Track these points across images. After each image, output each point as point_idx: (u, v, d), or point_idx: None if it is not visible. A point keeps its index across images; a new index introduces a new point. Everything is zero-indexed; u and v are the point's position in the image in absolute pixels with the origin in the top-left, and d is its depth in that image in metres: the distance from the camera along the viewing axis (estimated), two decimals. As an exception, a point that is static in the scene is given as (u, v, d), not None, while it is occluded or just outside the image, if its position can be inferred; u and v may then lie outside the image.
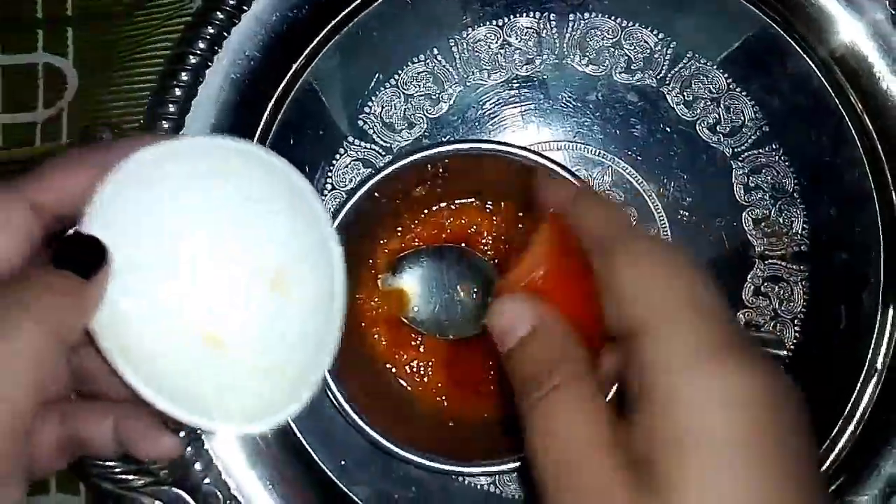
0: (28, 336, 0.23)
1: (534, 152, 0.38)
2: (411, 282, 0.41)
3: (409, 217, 0.41)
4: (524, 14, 0.43)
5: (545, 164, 0.38)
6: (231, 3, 0.41)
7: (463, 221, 0.42)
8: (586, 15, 0.43)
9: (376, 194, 0.38)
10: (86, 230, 0.25)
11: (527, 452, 0.25)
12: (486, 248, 0.42)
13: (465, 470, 0.38)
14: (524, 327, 0.26)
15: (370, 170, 0.43)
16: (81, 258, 0.25)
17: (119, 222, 0.26)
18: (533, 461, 0.25)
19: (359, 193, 0.38)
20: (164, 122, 0.41)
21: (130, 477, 0.38)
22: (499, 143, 0.39)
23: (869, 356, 0.42)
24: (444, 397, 0.41)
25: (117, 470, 0.38)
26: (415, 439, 0.37)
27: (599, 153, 0.43)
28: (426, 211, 0.41)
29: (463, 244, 0.41)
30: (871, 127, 0.43)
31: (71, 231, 0.26)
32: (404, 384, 0.41)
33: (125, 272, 0.26)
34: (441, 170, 0.39)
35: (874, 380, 0.41)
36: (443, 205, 0.41)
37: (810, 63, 0.43)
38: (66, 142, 0.43)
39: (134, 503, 0.38)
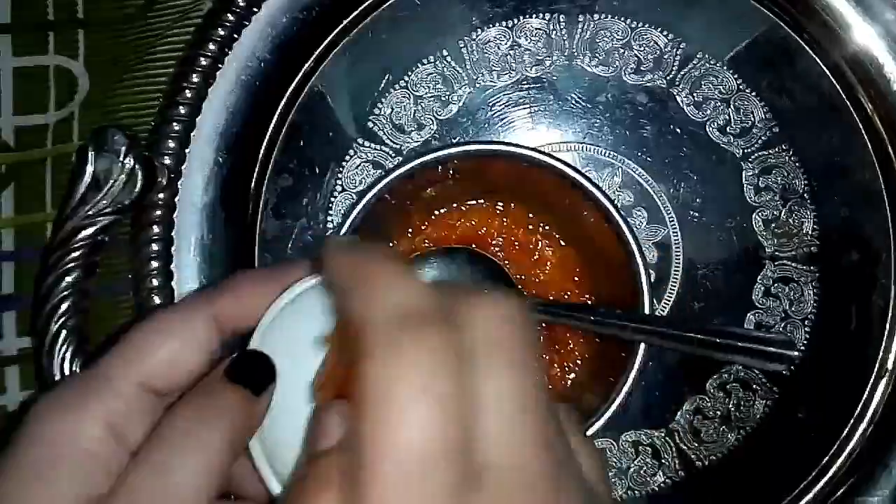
0: (209, 446, 0.25)
1: (544, 153, 0.38)
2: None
3: (419, 218, 0.41)
4: (534, 15, 0.43)
5: (555, 165, 0.38)
6: (241, 4, 0.41)
7: (473, 223, 0.42)
8: (596, 16, 0.43)
9: (387, 196, 0.38)
10: (253, 348, 0.27)
11: None
12: (496, 248, 0.42)
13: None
14: (332, 439, 0.23)
15: (380, 171, 0.43)
16: (254, 375, 0.27)
17: (278, 347, 0.27)
18: None
19: (369, 195, 0.38)
20: (174, 124, 0.41)
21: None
22: (509, 144, 0.39)
23: (880, 356, 0.42)
24: None
25: None
26: None
27: (609, 154, 0.43)
28: (436, 212, 0.42)
29: (473, 245, 0.42)
30: (881, 127, 0.42)
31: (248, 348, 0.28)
32: None
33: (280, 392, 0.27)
34: (451, 171, 0.39)
35: (885, 380, 0.41)
36: (453, 206, 0.42)
37: (820, 64, 0.43)
38: (77, 143, 0.43)
39: None
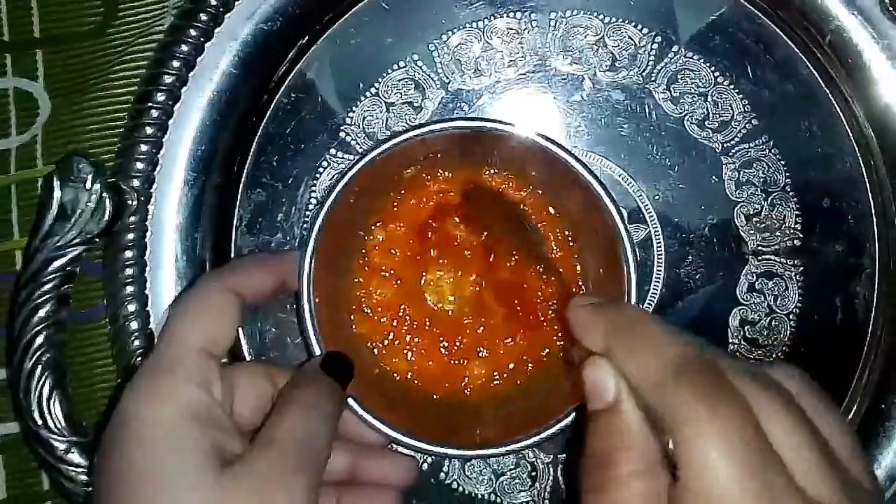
0: (326, 412, 0.32)
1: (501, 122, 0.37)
2: None
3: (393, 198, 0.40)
4: (504, 15, 0.42)
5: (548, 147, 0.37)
6: (203, 18, 0.40)
7: (451, 194, 0.40)
8: (568, 13, 0.42)
9: (356, 188, 0.37)
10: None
11: None
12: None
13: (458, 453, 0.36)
14: (607, 398, 0.27)
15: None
16: (339, 370, 0.34)
17: None
18: None
19: (341, 184, 0.36)
20: (141, 144, 0.40)
21: None
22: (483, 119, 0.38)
23: (865, 349, 0.41)
24: (439, 379, 0.39)
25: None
26: (409, 424, 0.36)
27: (587, 154, 0.42)
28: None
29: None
30: (860, 115, 0.42)
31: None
32: (396, 369, 0.40)
33: None
34: (431, 152, 0.38)
35: (869, 373, 0.41)
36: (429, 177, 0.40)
37: (799, 53, 0.42)
38: (42, 168, 0.42)
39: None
